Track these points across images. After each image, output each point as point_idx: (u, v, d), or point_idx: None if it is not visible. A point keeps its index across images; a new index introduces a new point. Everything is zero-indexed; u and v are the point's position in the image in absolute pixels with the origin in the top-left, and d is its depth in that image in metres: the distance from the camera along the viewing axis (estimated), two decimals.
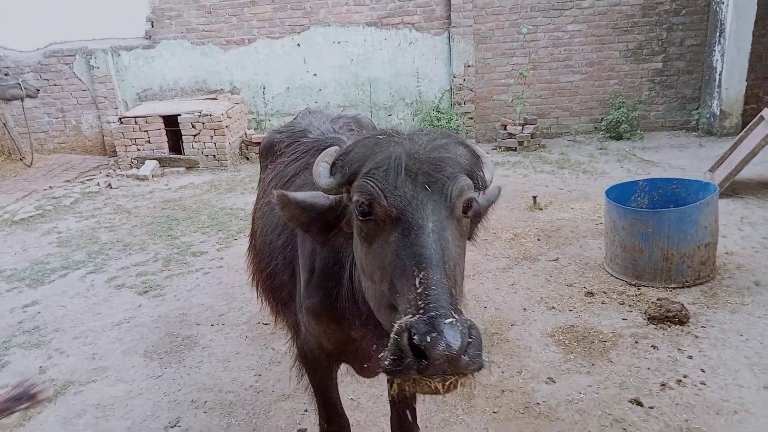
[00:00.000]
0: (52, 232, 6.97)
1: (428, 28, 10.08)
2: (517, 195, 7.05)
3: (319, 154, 1.93)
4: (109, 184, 8.88)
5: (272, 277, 2.73)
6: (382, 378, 3.04)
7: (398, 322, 1.40)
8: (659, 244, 4.48)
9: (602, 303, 4.43)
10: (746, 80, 9.20)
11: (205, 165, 9.58)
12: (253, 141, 9.99)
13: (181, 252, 6.04)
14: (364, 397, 3.50)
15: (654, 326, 4.02)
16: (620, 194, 5.04)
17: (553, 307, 4.41)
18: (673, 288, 4.51)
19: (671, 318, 4.01)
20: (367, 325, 1.99)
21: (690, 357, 3.66)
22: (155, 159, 9.55)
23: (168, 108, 9.80)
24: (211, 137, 9.46)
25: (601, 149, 9.17)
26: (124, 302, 5.04)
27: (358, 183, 1.67)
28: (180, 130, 9.49)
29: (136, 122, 9.51)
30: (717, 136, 9.33)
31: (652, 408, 3.23)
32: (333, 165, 1.84)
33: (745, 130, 6.71)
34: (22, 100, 9.73)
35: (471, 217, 1.79)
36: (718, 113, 9.38)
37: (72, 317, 4.83)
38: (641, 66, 9.96)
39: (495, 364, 3.73)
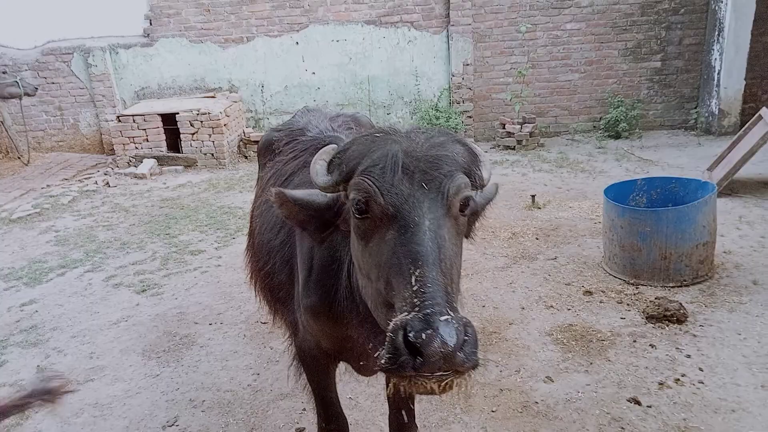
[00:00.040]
0: (50, 231, 6.95)
1: (427, 26, 10.08)
2: (516, 194, 7.05)
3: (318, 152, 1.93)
4: (107, 183, 8.87)
5: (270, 276, 2.73)
6: (381, 377, 3.04)
7: (394, 320, 1.40)
8: (657, 243, 4.48)
9: (600, 302, 4.43)
10: (745, 79, 9.21)
11: (203, 163, 9.57)
12: (252, 139, 9.98)
13: (179, 251, 6.03)
14: (363, 396, 3.50)
15: (652, 325, 4.02)
16: (619, 193, 5.04)
17: (551, 306, 4.42)
18: (671, 287, 4.52)
19: (669, 317, 4.01)
20: (365, 324, 1.98)
21: (688, 356, 3.66)
22: (153, 157, 9.53)
23: (166, 106, 9.79)
24: (210, 136, 9.44)
25: (599, 148, 9.17)
26: (121, 301, 5.03)
27: (354, 181, 1.67)
28: (178, 129, 9.47)
29: (134, 120, 9.49)
30: (715, 135, 9.34)
31: (650, 407, 3.23)
32: (330, 163, 1.84)
33: (743, 129, 6.71)
34: (20, 98, 9.70)
35: (468, 215, 1.79)
36: (716, 112, 9.39)
37: (70, 316, 4.82)
38: (640, 65, 9.96)
39: (493, 363, 3.74)
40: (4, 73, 9.70)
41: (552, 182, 7.58)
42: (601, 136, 9.78)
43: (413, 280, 1.44)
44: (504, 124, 9.68)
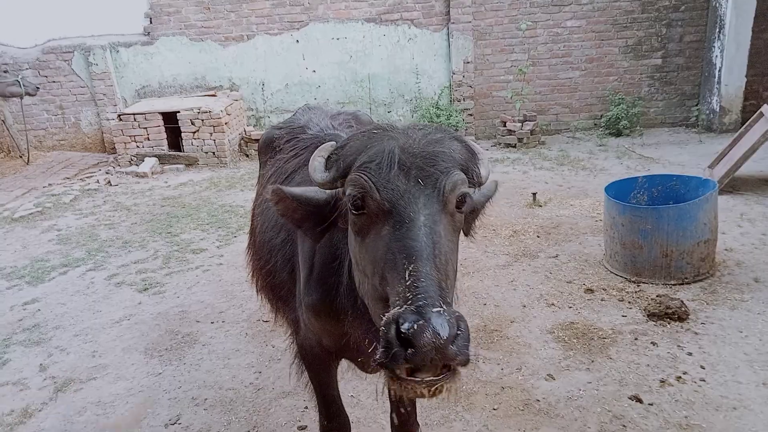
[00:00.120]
0: (52, 230, 6.97)
1: (427, 24, 10.06)
2: (517, 192, 7.04)
3: None
4: (109, 182, 8.88)
5: (272, 275, 2.73)
6: (383, 375, 3.04)
7: (387, 314, 1.40)
8: (658, 241, 4.48)
9: (602, 300, 4.43)
10: (746, 76, 9.19)
11: (204, 162, 9.57)
12: (253, 138, 9.98)
13: (181, 249, 6.04)
14: (365, 394, 3.51)
15: (653, 323, 4.03)
16: (619, 191, 5.04)
17: (552, 304, 4.42)
18: (673, 285, 4.52)
19: (671, 315, 4.01)
20: (365, 322, 1.99)
21: (689, 354, 3.66)
22: (154, 156, 9.54)
23: (167, 105, 9.79)
24: (211, 134, 9.45)
25: (600, 146, 9.17)
26: (123, 300, 5.04)
27: (351, 177, 1.67)
28: (179, 127, 9.47)
29: (135, 119, 9.49)
30: (716, 132, 9.33)
31: (651, 405, 3.23)
32: (328, 159, 1.85)
33: (744, 126, 6.70)
34: (21, 98, 9.71)
35: (466, 212, 1.79)
36: (717, 109, 9.38)
37: (72, 315, 4.83)
38: (641, 62, 9.94)
39: (494, 361, 3.74)
40: (5, 72, 9.72)
41: (553, 180, 7.58)
42: (602, 134, 9.78)
43: (407, 274, 1.44)
44: (505, 122, 9.68)
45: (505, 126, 9.65)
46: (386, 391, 1.49)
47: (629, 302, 4.36)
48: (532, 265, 5.13)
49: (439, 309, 1.35)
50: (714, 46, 9.41)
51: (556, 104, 10.28)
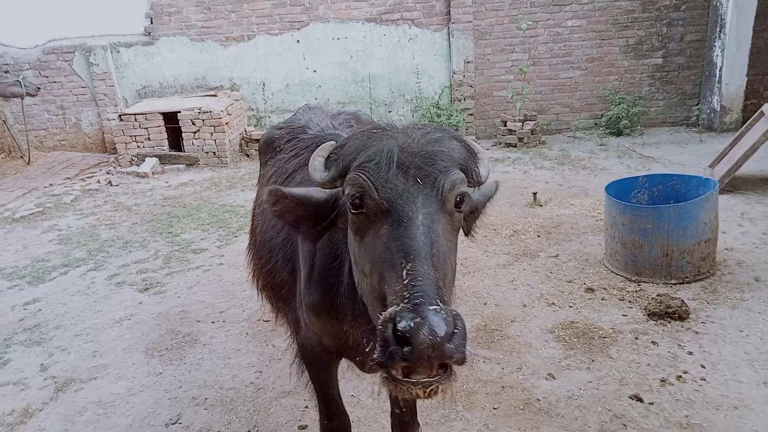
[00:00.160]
0: (53, 230, 6.97)
1: (428, 24, 10.06)
2: (517, 191, 7.04)
3: None
4: (110, 182, 8.89)
5: (272, 274, 2.74)
6: None
7: (384, 312, 1.40)
8: (659, 240, 4.48)
9: (602, 299, 4.43)
10: (746, 76, 9.19)
11: (205, 162, 9.58)
12: (253, 138, 9.98)
13: (182, 249, 6.04)
14: (365, 394, 3.51)
15: (654, 322, 4.02)
16: (620, 190, 5.04)
17: (553, 304, 4.42)
18: (673, 284, 4.51)
19: (671, 314, 4.01)
20: (366, 321, 1.99)
21: (690, 353, 3.66)
22: (155, 156, 9.54)
23: (168, 105, 9.79)
24: (211, 134, 9.45)
25: (601, 145, 9.16)
26: (124, 299, 5.05)
27: (350, 176, 1.67)
28: (180, 127, 9.48)
29: (135, 119, 9.50)
30: (717, 131, 9.32)
31: (652, 404, 3.23)
32: (328, 159, 1.86)
33: (745, 125, 6.70)
34: (22, 98, 9.72)
35: (466, 212, 1.79)
36: (718, 109, 9.37)
37: (73, 315, 4.84)
38: (641, 62, 9.94)
39: (495, 361, 3.74)
40: (6, 72, 9.73)
41: (553, 179, 7.58)
42: (603, 134, 9.77)
43: (404, 273, 1.44)
44: (505, 122, 9.68)
45: (505, 125, 9.65)
46: (385, 391, 1.48)
47: (630, 301, 4.35)
48: (532, 264, 5.12)
49: (435, 307, 1.35)
50: (715, 46, 9.41)
51: (557, 104, 10.28)
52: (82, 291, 5.27)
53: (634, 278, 4.65)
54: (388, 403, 3.00)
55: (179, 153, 9.65)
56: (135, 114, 9.53)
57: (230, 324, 4.51)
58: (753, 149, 6.09)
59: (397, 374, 1.38)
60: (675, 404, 3.21)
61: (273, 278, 2.74)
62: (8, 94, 9.64)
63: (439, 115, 9.93)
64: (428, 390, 1.38)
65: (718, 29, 9.27)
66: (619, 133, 9.65)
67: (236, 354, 4.09)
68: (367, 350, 1.43)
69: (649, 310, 4.11)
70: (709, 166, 6.91)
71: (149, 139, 9.59)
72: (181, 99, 10.27)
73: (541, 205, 6.52)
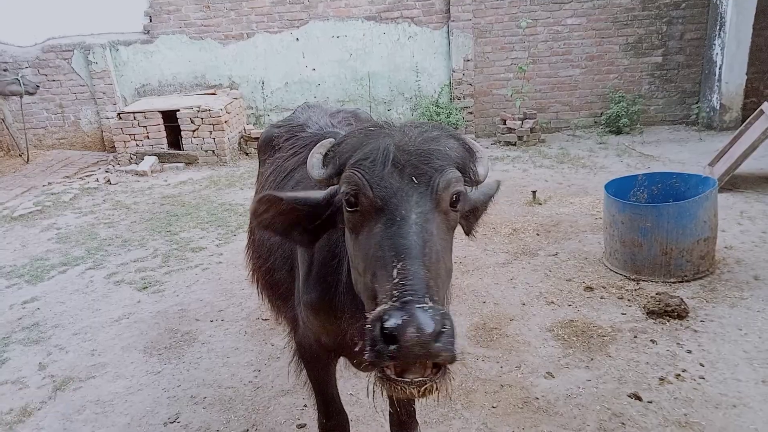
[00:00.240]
0: (51, 228, 6.96)
1: (427, 22, 10.05)
2: (517, 190, 7.04)
3: None
4: (108, 180, 8.88)
5: (271, 273, 2.73)
6: None
7: (374, 311, 1.40)
8: (658, 239, 4.48)
9: (601, 298, 4.43)
10: (746, 74, 9.18)
11: (204, 160, 9.57)
12: (252, 136, 9.97)
13: (181, 248, 6.03)
14: (364, 393, 3.50)
15: (653, 321, 4.02)
16: (619, 189, 5.03)
17: (552, 302, 4.42)
18: (672, 282, 4.51)
19: (670, 312, 4.01)
20: (364, 320, 1.98)
21: (689, 351, 3.66)
22: (154, 154, 9.54)
23: (167, 103, 9.78)
24: (210, 132, 9.44)
25: (600, 144, 9.16)
26: (123, 298, 5.04)
27: (345, 174, 1.67)
28: (179, 126, 9.47)
29: (134, 118, 9.49)
30: (717, 130, 9.32)
31: (650, 402, 3.23)
32: (326, 156, 1.86)
33: (744, 124, 6.69)
34: (21, 96, 9.70)
35: (464, 211, 1.79)
36: (718, 107, 9.36)
37: (71, 313, 4.83)
38: (641, 60, 9.93)
39: (493, 359, 3.74)
40: (5, 70, 9.71)
41: (553, 178, 7.57)
42: (602, 132, 9.77)
43: (395, 272, 1.44)
44: (505, 120, 9.67)
45: (505, 124, 9.64)
46: (380, 390, 1.48)
47: (629, 300, 4.35)
48: (531, 263, 5.12)
49: (423, 305, 1.35)
50: (714, 44, 9.40)
51: (556, 102, 10.27)
52: (81, 290, 5.26)
53: (633, 277, 4.65)
54: (387, 402, 3.00)
55: (178, 151, 9.64)
56: (134, 112, 9.51)
57: (229, 323, 4.51)
58: (752, 148, 6.08)
59: (391, 373, 1.38)
60: (674, 403, 3.21)
61: (272, 276, 2.74)
62: (7, 93, 9.63)
63: (438, 114, 9.92)
64: (422, 389, 1.38)
65: (718, 27, 9.26)
66: (618, 132, 9.64)
67: (235, 353, 4.08)
68: (356, 349, 1.43)
69: (648, 309, 4.10)
70: (709, 165, 6.91)
71: (148, 138, 9.58)
72: (180, 97, 10.25)
73: (540, 204, 6.52)
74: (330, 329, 2.28)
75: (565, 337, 3.94)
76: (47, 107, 10.75)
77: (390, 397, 2.85)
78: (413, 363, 1.36)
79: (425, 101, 10.27)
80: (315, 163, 1.85)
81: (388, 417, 2.94)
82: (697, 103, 9.92)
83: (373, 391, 1.47)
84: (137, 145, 9.61)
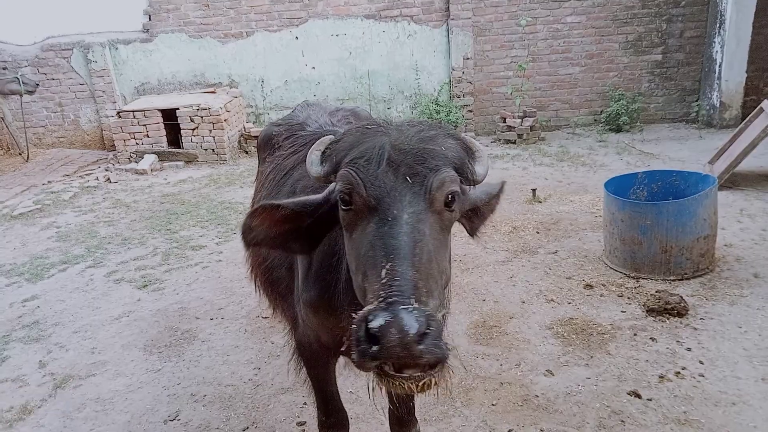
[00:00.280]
0: (51, 227, 6.96)
1: (427, 20, 10.04)
2: (516, 188, 7.04)
3: None
4: (108, 179, 8.87)
5: (270, 271, 2.73)
6: None
7: (360, 312, 1.40)
8: (658, 237, 4.48)
9: (601, 295, 4.43)
10: (746, 72, 9.16)
11: (203, 159, 9.57)
12: (252, 134, 9.97)
13: (180, 246, 6.03)
14: (364, 390, 3.50)
15: (653, 318, 4.02)
16: (619, 187, 5.03)
17: (551, 300, 4.42)
18: (672, 280, 4.51)
19: (670, 310, 4.01)
20: None
21: (689, 349, 3.66)
22: (154, 153, 9.53)
23: (166, 102, 9.77)
24: (210, 131, 9.44)
25: (600, 142, 9.15)
26: (123, 296, 5.04)
27: (340, 172, 1.68)
28: (179, 124, 9.47)
29: (134, 116, 9.48)
30: (717, 128, 9.31)
31: (650, 400, 3.23)
32: (324, 153, 1.86)
33: (744, 121, 6.69)
34: (21, 95, 9.69)
35: (462, 210, 1.79)
36: (717, 105, 9.35)
37: (71, 312, 4.84)
38: (641, 58, 9.92)
39: (493, 357, 3.74)
40: (4, 69, 9.71)
41: (553, 176, 7.57)
42: (602, 130, 9.76)
43: (383, 273, 1.44)
44: (504, 118, 9.66)
45: (504, 122, 9.64)
46: (378, 386, 1.48)
47: (628, 298, 4.35)
48: (531, 261, 5.12)
49: (408, 307, 1.34)
50: (714, 42, 9.39)
51: (556, 100, 10.26)
52: (81, 288, 5.27)
53: (632, 274, 4.65)
54: (387, 400, 3.00)
55: (178, 150, 9.64)
56: (133, 111, 9.51)
57: (229, 321, 4.51)
58: (752, 145, 6.08)
59: (389, 369, 1.38)
60: (673, 400, 3.21)
61: (271, 275, 2.74)
62: (7, 92, 9.62)
63: (438, 112, 9.91)
64: (420, 384, 1.38)
65: (718, 25, 9.25)
66: (618, 130, 9.63)
67: (235, 351, 4.09)
68: (342, 349, 1.43)
69: (648, 307, 4.11)
70: (709, 163, 6.90)
71: (148, 136, 9.57)
72: (179, 96, 10.24)
73: (540, 202, 6.52)
74: (329, 327, 2.28)
75: (565, 334, 3.95)
76: (47, 106, 10.74)
77: (389, 394, 2.87)
78: (398, 364, 1.36)
79: (425, 99, 10.26)
80: (314, 161, 1.86)
81: (387, 414, 2.94)
82: (697, 100, 9.92)
83: (372, 388, 1.47)
84: (137, 143, 9.60)
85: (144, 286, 5.18)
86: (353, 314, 1.94)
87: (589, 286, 4.57)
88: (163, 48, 10.40)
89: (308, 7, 10.09)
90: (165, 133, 9.59)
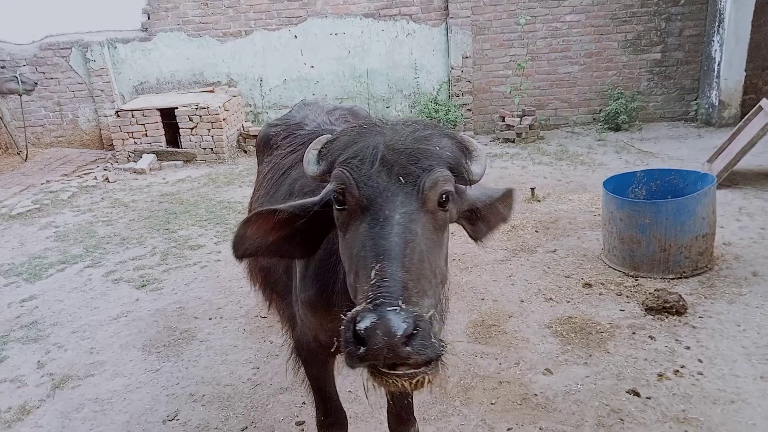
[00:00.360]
0: (50, 227, 6.95)
1: (426, 19, 10.03)
2: (515, 187, 6.98)
3: None
4: (107, 178, 8.86)
5: (269, 271, 2.73)
6: None
7: (349, 313, 1.40)
8: (657, 235, 4.48)
9: (600, 294, 4.43)
10: (745, 70, 9.16)
11: (202, 158, 9.56)
12: (251, 134, 9.96)
13: (179, 246, 6.03)
14: (362, 390, 3.48)
15: (651, 317, 4.02)
16: (618, 185, 5.03)
17: (550, 299, 4.42)
18: (671, 279, 4.51)
19: (669, 309, 4.01)
20: None
21: (687, 347, 3.66)
22: (152, 152, 9.52)
23: (165, 101, 9.76)
24: (209, 130, 9.43)
25: (599, 140, 9.15)
26: (121, 296, 5.04)
27: (334, 172, 1.67)
28: (177, 123, 9.46)
29: (133, 115, 9.47)
30: (716, 126, 9.31)
31: (649, 398, 3.23)
32: (320, 152, 1.86)
33: (743, 120, 6.69)
34: (20, 94, 9.68)
35: (460, 209, 1.78)
36: (716, 104, 9.35)
37: (70, 312, 4.83)
38: (640, 57, 9.92)
39: (492, 356, 3.74)
40: (2, 68, 9.70)
41: (551, 175, 7.57)
42: (601, 129, 9.76)
43: (373, 273, 1.44)
44: (503, 117, 9.66)
45: (503, 121, 9.63)
46: (372, 383, 1.48)
47: (627, 296, 4.35)
48: (530, 259, 5.12)
49: (395, 308, 1.34)
50: (713, 40, 9.39)
51: (555, 99, 10.26)
52: (79, 288, 5.26)
53: (631, 273, 4.65)
54: (386, 399, 3.00)
55: (176, 149, 9.63)
56: (132, 110, 9.50)
57: (227, 320, 4.51)
58: (751, 144, 6.08)
59: (382, 367, 1.38)
60: (672, 399, 3.21)
61: (269, 274, 2.74)
62: (5, 91, 9.61)
63: (437, 111, 9.91)
64: (414, 381, 1.38)
65: (717, 24, 9.25)
66: (617, 128, 9.63)
67: (233, 350, 4.08)
68: (332, 350, 1.43)
69: (647, 305, 4.11)
70: (707, 161, 6.91)
71: (146, 136, 9.56)
72: (178, 95, 10.23)
73: (539, 201, 6.51)
74: (327, 327, 2.27)
75: (564, 333, 3.95)
76: (45, 105, 10.72)
77: (388, 393, 2.86)
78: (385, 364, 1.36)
79: (424, 98, 10.25)
80: (310, 160, 1.86)
81: (386, 414, 2.94)
82: (695, 99, 9.91)
83: (367, 387, 1.47)
84: (135, 143, 9.59)
85: (142, 286, 5.18)
86: (344, 315, 1.95)
87: (587, 285, 4.57)
88: (161, 47, 10.39)
89: (307, 5, 10.07)
90: (164, 132, 9.58)
